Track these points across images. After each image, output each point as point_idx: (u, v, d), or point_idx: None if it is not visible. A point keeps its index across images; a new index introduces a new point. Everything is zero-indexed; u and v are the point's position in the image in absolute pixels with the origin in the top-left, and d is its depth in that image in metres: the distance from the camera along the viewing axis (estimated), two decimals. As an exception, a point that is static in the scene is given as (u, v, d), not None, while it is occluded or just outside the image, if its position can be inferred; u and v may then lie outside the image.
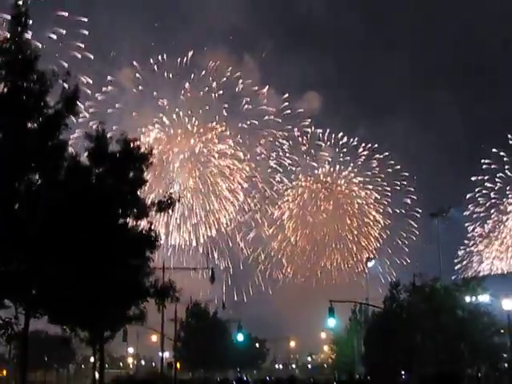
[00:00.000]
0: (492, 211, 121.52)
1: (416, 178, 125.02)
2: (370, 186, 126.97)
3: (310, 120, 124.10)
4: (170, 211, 26.44)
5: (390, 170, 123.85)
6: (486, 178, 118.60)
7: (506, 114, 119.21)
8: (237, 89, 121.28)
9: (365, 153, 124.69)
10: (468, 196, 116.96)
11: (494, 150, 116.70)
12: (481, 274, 51.14)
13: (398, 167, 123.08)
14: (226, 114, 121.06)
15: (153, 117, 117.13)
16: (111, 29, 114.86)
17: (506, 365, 37.16)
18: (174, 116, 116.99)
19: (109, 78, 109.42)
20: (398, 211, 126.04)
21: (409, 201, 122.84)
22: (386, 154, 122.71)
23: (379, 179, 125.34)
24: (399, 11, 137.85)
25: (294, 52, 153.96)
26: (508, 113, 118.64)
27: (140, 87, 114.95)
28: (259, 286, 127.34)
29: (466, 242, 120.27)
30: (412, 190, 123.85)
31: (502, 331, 46.20)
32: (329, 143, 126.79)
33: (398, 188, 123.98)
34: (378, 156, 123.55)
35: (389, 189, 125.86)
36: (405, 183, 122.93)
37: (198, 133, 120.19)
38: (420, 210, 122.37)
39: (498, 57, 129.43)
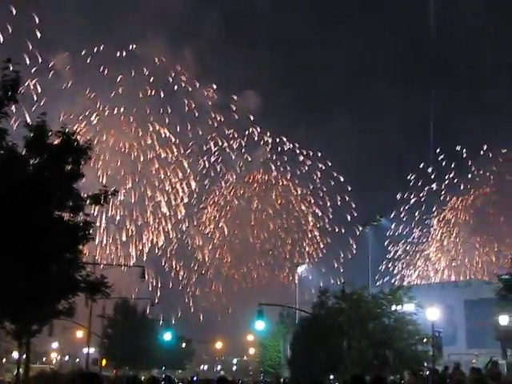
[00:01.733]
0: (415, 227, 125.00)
1: (350, 186, 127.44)
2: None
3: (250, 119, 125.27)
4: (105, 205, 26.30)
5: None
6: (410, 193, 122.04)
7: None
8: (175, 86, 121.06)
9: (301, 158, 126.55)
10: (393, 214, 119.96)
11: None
12: (407, 284, 52.06)
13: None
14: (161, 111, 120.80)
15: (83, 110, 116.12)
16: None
17: (427, 373, 38.01)
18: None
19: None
20: (331, 216, 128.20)
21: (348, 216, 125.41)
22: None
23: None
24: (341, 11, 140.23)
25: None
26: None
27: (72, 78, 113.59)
28: (188, 288, 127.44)
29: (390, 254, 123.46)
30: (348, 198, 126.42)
31: (425, 340, 47.33)
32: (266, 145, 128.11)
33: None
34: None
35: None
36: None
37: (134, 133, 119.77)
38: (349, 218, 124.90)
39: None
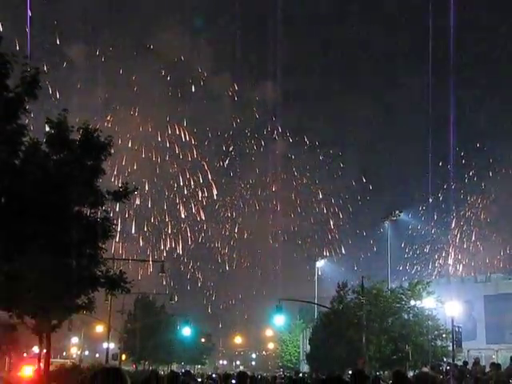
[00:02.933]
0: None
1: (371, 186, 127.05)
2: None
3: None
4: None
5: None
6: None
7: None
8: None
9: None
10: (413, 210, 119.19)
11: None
12: (427, 278, 51.89)
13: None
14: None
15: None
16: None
17: (447, 368, 37.95)
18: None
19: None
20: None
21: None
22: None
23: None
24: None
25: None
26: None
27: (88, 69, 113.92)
28: (208, 282, 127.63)
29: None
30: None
31: (444, 336, 47.25)
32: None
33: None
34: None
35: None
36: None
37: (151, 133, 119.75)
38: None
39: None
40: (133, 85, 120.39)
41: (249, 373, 17.82)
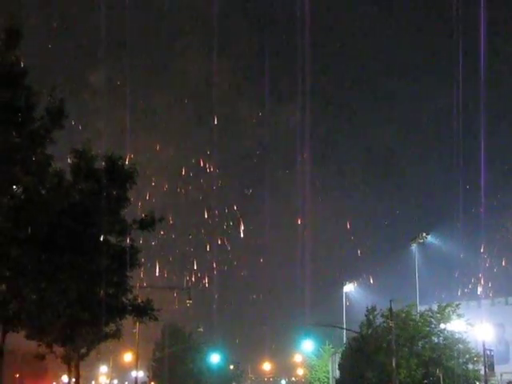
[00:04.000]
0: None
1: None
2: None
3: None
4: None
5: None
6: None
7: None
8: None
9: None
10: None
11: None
12: (456, 301, 51.25)
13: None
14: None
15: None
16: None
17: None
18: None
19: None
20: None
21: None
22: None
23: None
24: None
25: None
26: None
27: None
28: (236, 309, 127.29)
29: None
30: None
31: (475, 359, 46.65)
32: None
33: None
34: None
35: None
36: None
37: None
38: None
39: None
40: (153, 111, 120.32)
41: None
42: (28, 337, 26.76)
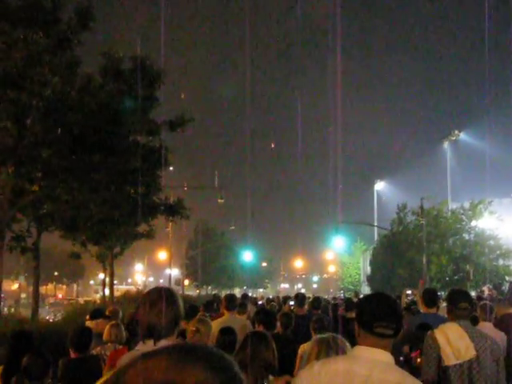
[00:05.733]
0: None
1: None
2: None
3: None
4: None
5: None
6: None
7: None
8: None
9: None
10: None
11: None
12: (489, 198, 50.95)
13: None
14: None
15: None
16: None
17: (507, 287, 37.76)
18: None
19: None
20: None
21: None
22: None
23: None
24: None
25: None
26: None
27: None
28: (268, 206, 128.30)
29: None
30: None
31: (506, 255, 46.92)
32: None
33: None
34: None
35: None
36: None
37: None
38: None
39: None
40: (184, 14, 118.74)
41: (310, 295, 18.10)
42: (62, 236, 27.29)
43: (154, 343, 3.79)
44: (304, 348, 7.31)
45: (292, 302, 16.03)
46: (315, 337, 5.49)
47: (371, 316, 3.77)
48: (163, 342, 3.72)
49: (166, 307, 3.84)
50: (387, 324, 3.72)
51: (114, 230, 26.05)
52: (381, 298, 3.95)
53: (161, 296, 3.90)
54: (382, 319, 3.73)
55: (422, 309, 9.71)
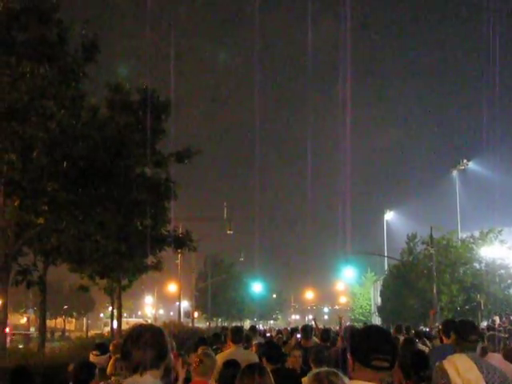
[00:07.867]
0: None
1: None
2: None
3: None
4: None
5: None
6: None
7: None
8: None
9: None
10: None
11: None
12: (498, 227, 50.63)
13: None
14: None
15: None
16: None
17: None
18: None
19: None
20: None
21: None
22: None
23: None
24: None
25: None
26: None
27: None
28: (277, 239, 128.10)
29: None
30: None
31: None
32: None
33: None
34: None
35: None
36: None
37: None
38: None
39: None
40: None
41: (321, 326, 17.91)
42: (70, 269, 27.23)
43: (141, 375, 3.79)
44: (305, 382, 7.17)
45: (299, 335, 15.80)
46: (310, 372, 5.37)
47: (367, 349, 3.65)
48: (147, 375, 3.79)
49: (150, 342, 3.82)
50: (383, 356, 3.61)
51: (122, 262, 25.94)
52: (376, 331, 3.84)
53: (142, 332, 3.88)
54: (379, 352, 3.61)
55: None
